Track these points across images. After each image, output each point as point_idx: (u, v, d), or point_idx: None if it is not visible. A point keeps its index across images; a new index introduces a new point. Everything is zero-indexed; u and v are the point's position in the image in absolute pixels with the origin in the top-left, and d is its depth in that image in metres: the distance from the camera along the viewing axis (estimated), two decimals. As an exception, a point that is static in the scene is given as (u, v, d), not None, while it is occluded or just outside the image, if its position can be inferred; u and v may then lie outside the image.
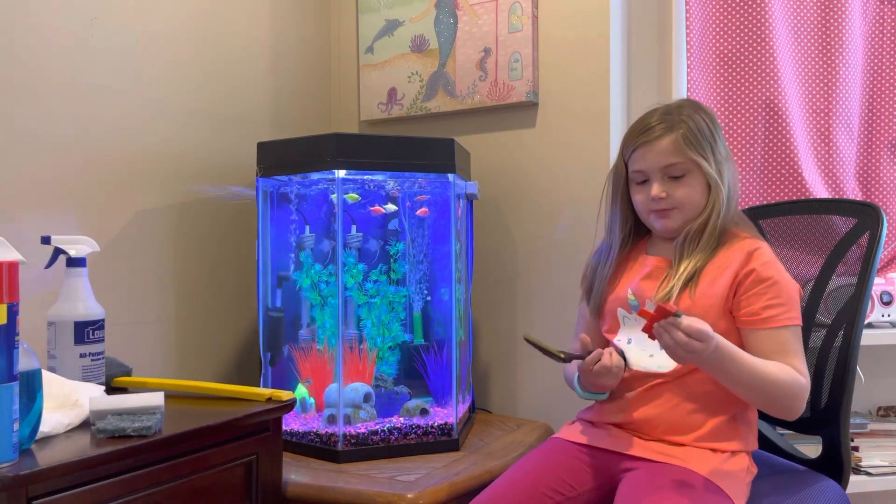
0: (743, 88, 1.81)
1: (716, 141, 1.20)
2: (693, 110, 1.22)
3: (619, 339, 1.24)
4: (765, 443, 1.41)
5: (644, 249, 1.31)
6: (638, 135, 1.22)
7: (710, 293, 1.16)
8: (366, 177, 1.55)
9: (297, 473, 1.34)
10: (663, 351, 1.14)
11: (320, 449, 1.44)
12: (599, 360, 1.15)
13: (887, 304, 1.77)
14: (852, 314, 1.23)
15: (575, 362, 1.20)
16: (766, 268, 1.15)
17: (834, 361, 1.25)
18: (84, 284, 1.26)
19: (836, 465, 1.25)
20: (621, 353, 1.19)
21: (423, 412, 1.53)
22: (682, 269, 1.18)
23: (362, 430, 1.44)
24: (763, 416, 1.39)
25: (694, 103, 1.25)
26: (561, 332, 1.72)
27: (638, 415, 1.20)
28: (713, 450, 1.15)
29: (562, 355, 1.17)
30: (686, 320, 1.01)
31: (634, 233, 1.31)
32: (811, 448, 1.35)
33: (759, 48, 1.79)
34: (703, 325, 1.02)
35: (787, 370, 1.11)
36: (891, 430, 1.82)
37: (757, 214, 1.46)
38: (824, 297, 1.33)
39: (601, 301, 1.30)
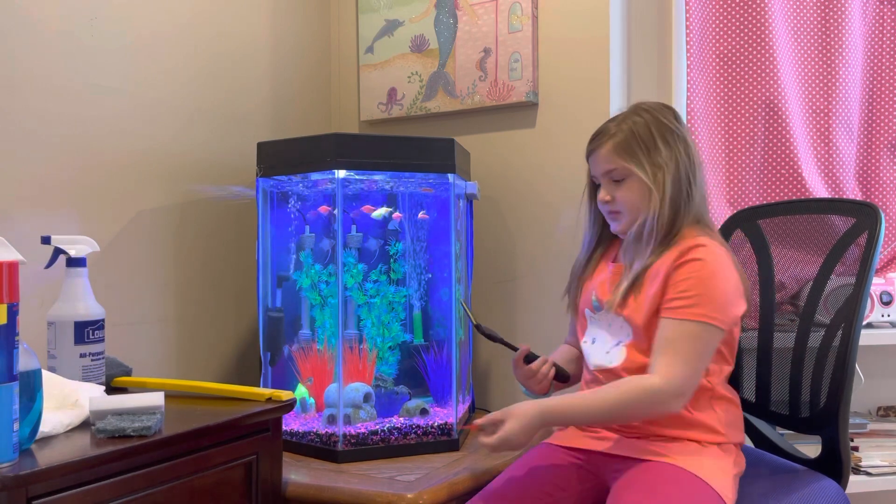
0: (743, 88, 1.81)
1: (655, 145, 1.21)
2: (636, 114, 1.24)
3: (586, 340, 1.30)
4: (765, 442, 1.41)
5: (616, 254, 1.33)
6: (589, 142, 1.27)
7: (651, 294, 1.18)
8: (365, 177, 1.55)
9: (297, 473, 1.34)
10: (617, 348, 1.22)
11: (320, 449, 1.44)
12: (525, 357, 1.29)
13: (887, 304, 1.77)
14: (850, 314, 1.23)
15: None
16: (697, 261, 1.14)
17: (832, 361, 1.25)
18: (84, 284, 1.26)
19: (835, 464, 1.25)
20: (561, 372, 1.31)
21: (423, 412, 1.53)
22: (630, 272, 1.22)
23: (362, 430, 1.44)
24: (763, 416, 1.39)
25: (642, 107, 1.25)
26: (560, 332, 1.72)
27: None
28: (698, 441, 1.17)
29: (484, 329, 1.33)
30: (482, 438, 1.15)
31: (612, 237, 1.34)
32: (812, 448, 1.35)
33: (759, 48, 1.79)
34: (501, 437, 1.12)
35: (636, 383, 1.12)
36: (891, 430, 1.82)
37: (756, 214, 1.46)
38: (823, 297, 1.32)
39: (576, 301, 1.35)
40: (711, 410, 1.19)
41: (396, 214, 1.63)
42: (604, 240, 1.34)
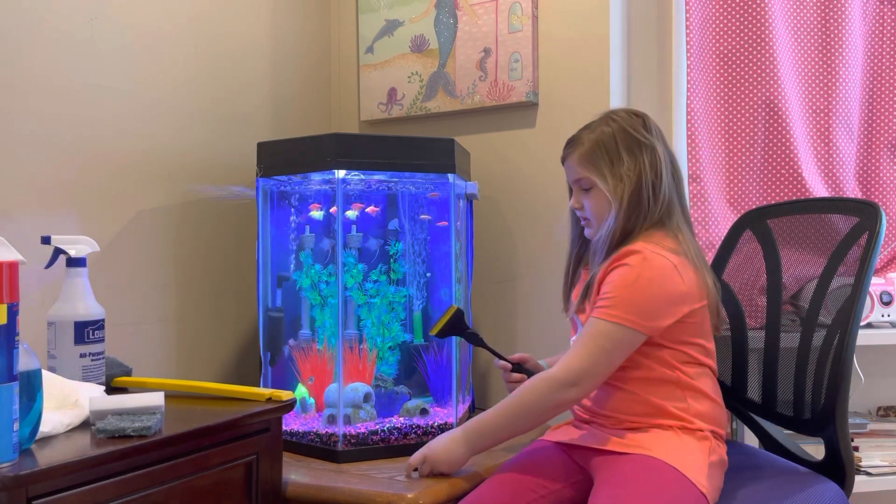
0: (743, 88, 1.81)
1: (619, 157, 1.24)
2: (605, 124, 1.27)
3: (573, 339, 1.32)
4: (772, 444, 1.40)
5: None
6: (563, 149, 1.32)
7: (593, 301, 1.22)
8: (365, 177, 1.55)
9: (297, 473, 1.34)
10: None
11: (320, 449, 1.44)
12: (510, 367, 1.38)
13: (887, 304, 1.77)
14: (847, 314, 1.22)
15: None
16: (623, 267, 1.18)
17: (830, 362, 1.24)
18: (84, 284, 1.26)
19: (838, 467, 1.23)
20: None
21: (423, 412, 1.53)
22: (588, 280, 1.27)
23: (362, 430, 1.44)
24: (769, 417, 1.38)
25: (611, 117, 1.28)
26: (560, 331, 1.72)
27: (594, 406, 1.27)
28: (670, 427, 1.19)
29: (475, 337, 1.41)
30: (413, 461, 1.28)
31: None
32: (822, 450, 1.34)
33: (759, 48, 1.79)
34: (423, 451, 1.27)
35: (535, 378, 1.20)
36: (891, 430, 1.82)
37: (765, 214, 1.45)
38: (826, 298, 1.32)
39: (567, 304, 1.40)
40: (682, 401, 1.21)
41: (372, 208, 1.61)
42: (582, 244, 1.38)
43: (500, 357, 1.40)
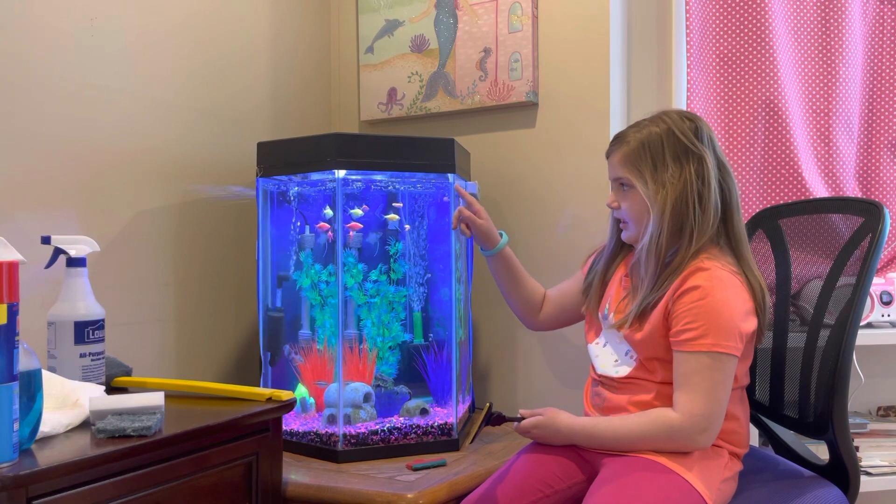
0: (743, 88, 1.81)
1: (664, 162, 1.19)
2: (654, 124, 1.22)
3: (598, 342, 1.31)
4: (780, 446, 1.39)
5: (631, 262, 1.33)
6: (609, 144, 1.28)
7: (654, 323, 1.18)
8: (365, 177, 1.55)
9: (297, 473, 1.34)
10: (627, 358, 1.23)
11: (320, 449, 1.44)
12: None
13: (887, 304, 1.77)
14: (845, 315, 1.21)
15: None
16: (696, 289, 1.13)
17: (829, 363, 1.23)
18: (84, 284, 1.26)
19: (840, 471, 1.22)
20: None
21: (423, 412, 1.53)
22: (638, 298, 1.21)
23: (362, 430, 1.44)
24: (776, 419, 1.37)
25: (662, 118, 1.22)
26: (560, 331, 1.72)
27: (611, 412, 1.24)
28: None
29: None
30: (524, 422, 1.24)
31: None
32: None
33: (759, 48, 1.79)
34: (538, 420, 1.22)
35: (656, 418, 1.14)
36: (891, 430, 1.81)
37: (777, 214, 1.43)
38: (831, 298, 1.31)
39: (593, 303, 1.34)
40: None
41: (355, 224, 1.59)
42: (621, 246, 1.33)
43: (520, 420, 1.29)
